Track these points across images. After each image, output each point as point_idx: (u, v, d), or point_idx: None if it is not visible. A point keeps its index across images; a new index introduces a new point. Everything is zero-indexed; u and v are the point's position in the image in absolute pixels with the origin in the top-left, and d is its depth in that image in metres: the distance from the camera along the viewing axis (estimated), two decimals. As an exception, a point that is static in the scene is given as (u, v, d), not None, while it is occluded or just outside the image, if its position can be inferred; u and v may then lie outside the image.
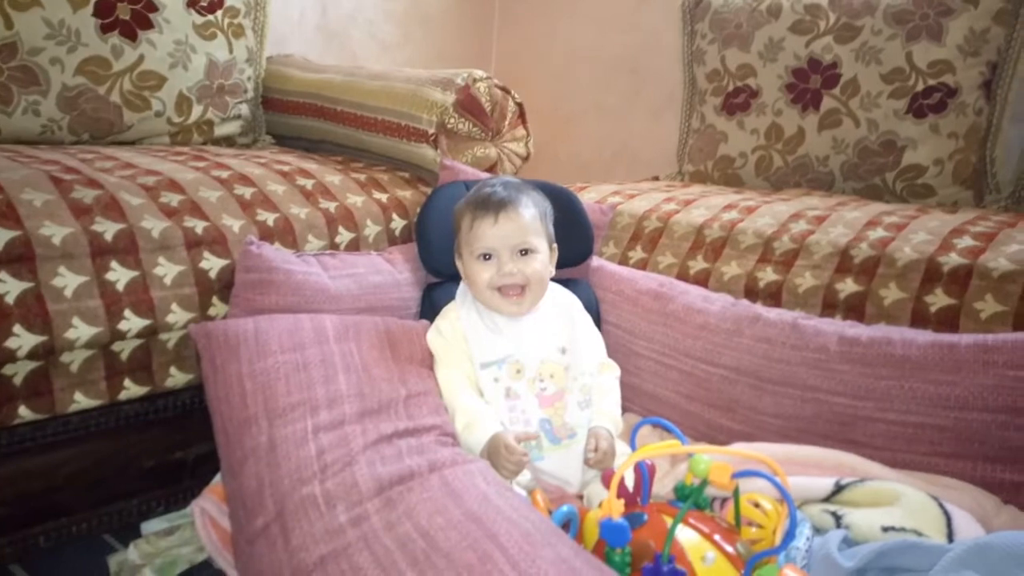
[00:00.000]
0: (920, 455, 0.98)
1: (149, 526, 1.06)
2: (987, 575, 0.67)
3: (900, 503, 0.86)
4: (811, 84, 1.78)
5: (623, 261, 1.44)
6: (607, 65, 2.50)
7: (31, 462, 0.92)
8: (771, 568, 0.75)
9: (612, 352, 1.22)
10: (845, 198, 1.59)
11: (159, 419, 1.02)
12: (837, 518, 0.88)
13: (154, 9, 1.48)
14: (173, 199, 1.09)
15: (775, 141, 1.83)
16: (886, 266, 1.17)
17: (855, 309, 1.17)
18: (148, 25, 1.47)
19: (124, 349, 0.98)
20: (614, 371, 1.16)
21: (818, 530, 0.90)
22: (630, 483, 0.92)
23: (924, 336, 1.01)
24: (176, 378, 1.04)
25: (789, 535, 0.75)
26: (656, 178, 2.11)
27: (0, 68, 1.31)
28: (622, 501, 0.88)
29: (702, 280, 1.34)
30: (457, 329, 1.09)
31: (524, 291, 1.07)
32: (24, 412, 0.90)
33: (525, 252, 1.06)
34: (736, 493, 0.89)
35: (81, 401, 0.94)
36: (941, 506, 0.84)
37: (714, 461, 0.83)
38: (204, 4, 1.56)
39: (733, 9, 1.95)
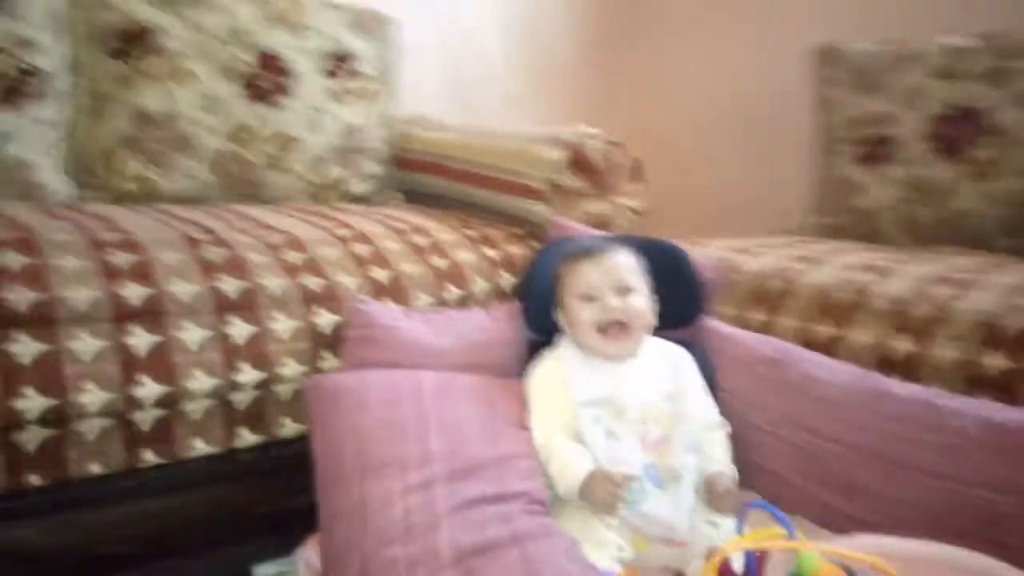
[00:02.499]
0: (1077, 565, 0.84)
1: (262, 570, 1.11)
2: None
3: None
4: (960, 131, 1.64)
5: (742, 324, 1.37)
6: (732, 114, 2.43)
7: (153, 504, 0.99)
8: None
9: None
10: (1002, 258, 1.43)
11: (272, 467, 1.07)
12: (968, 633, 0.77)
13: (292, 77, 1.60)
14: (295, 257, 1.16)
15: (919, 193, 1.69)
16: (1040, 340, 1.03)
17: (1006, 389, 1.04)
18: (285, 92, 1.59)
19: (241, 400, 1.04)
20: (725, 428, 1.12)
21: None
22: (738, 567, 0.86)
23: (1085, 425, 0.88)
24: (289, 428, 1.09)
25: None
26: (790, 232, 2.00)
27: (162, 136, 1.46)
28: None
29: (830, 348, 1.24)
30: (556, 371, 1.09)
31: (627, 330, 1.07)
32: (149, 456, 0.97)
33: (626, 290, 1.07)
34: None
35: (200, 447, 1.01)
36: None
37: (824, 563, 0.76)
38: (338, 71, 1.68)
39: (869, 53, 1.84)
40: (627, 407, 1.04)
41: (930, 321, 1.15)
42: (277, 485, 1.05)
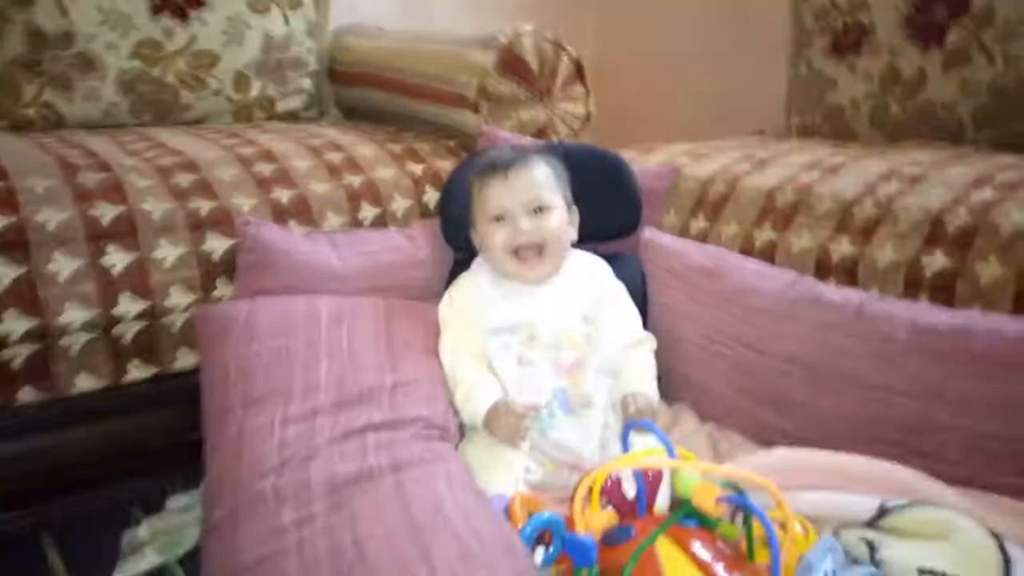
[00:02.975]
0: (1003, 474, 0.78)
1: (173, 502, 1.08)
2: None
3: (952, 538, 0.68)
4: (934, 15, 1.50)
5: (683, 232, 1.29)
6: (704, 9, 2.28)
7: (38, 442, 0.95)
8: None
9: (658, 336, 1.10)
10: (967, 151, 1.33)
11: (169, 400, 1.03)
12: (872, 549, 0.72)
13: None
14: (186, 179, 1.08)
15: (891, 85, 1.57)
16: (985, 236, 0.94)
17: (944, 289, 0.96)
18: (198, 4, 1.48)
19: (126, 332, 0.99)
20: (649, 343, 1.07)
21: (856, 561, 0.75)
22: (631, 491, 0.81)
23: (1017, 326, 0.80)
24: (185, 360, 1.04)
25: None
26: (761, 132, 1.89)
27: (59, 56, 1.37)
28: (609, 512, 0.77)
29: (768, 254, 1.16)
30: (468, 296, 1.04)
31: (542, 252, 1.00)
32: (27, 394, 0.93)
33: (540, 210, 0.99)
34: (748, 515, 0.75)
35: (84, 382, 0.96)
36: (1002, 548, 0.65)
37: (700, 481, 0.70)
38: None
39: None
40: (540, 332, 0.99)
41: (872, 221, 1.06)
42: (175, 418, 1.01)
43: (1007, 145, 1.37)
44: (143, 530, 1.00)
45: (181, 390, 1.01)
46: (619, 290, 1.08)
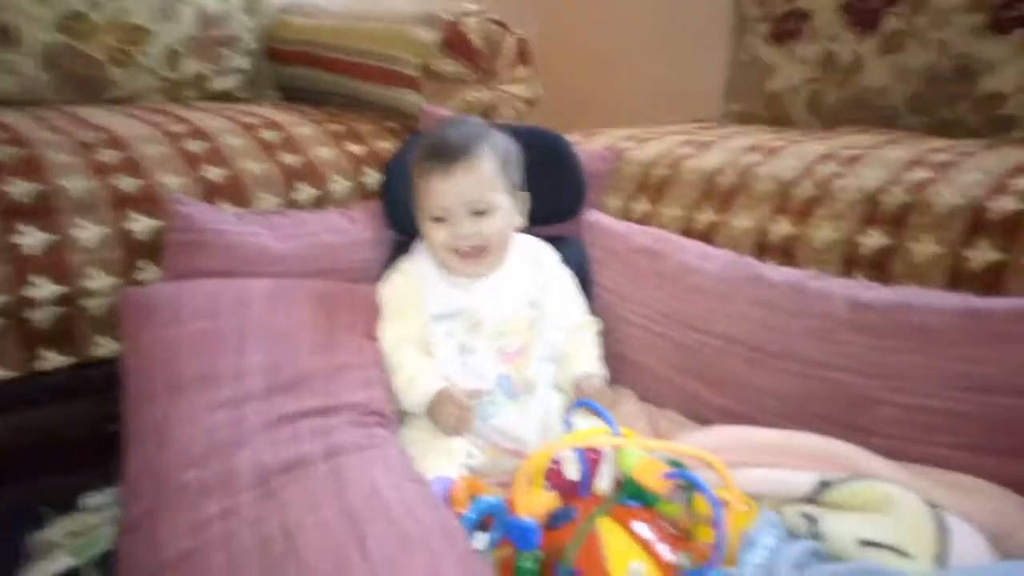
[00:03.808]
0: (938, 447, 0.79)
1: (89, 501, 1.02)
2: (959, 624, 0.50)
3: (890, 510, 0.69)
4: (871, 1, 1.52)
5: (626, 215, 1.28)
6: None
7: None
8: (698, 589, 0.61)
9: (601, 316, 1.09)
10: (901, 135, 1.35)
11: (87, 390, 0.97)
12: (813, 523, 0.72)
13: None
14: (110, 156, 1.02)
15: (829, 71, 1.59)
16: (920, 214, 0.96)
17: (880, 267, 0.97)
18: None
19: (41, 317, 0.93)
20: (595, 326, 1.06)
21: (796, 536, 0.75)
22: (573, 473, 0.80)
23: (952, 301, 0.82)
24: (105, 347, 0.98)
25: (715, 555, 0.60)
26: (700, 121, 1.90)
27: (-27, 27, 1.28)
28: (551, 495, 0.76)
29: (709, 235, 1.16)
30: (410, 280, 1.01)
31: (483, 252, 0.96)
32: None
33: (483, 212, 0.94)
34: (689, 493, 0.75)
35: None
36: (939, 517, 0.66)
37: (644, 457, 0.69)
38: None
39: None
40: (484, 321, 0.97)
41: (810, 201, 1.07)
42: (94, 409, 0.95)
43: (939, 131, 1.40)
44: (54, 531, 0.94)
45: (100, 379, 0.95)
46: (564, 276, 1.07)
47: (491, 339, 0.96)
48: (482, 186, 0.94)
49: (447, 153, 0.93)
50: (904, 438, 0.81)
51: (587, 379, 0.98)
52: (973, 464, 0.76)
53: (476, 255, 0.96)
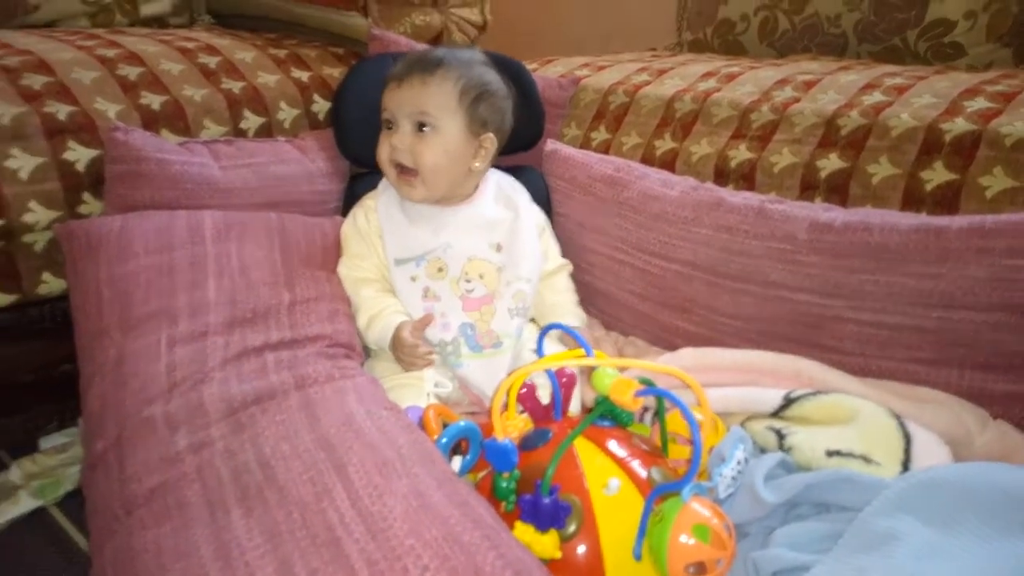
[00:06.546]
0: (897, 361, 0.82)
1: (47, 442, 0.99)
2: (929, 520, 0.52)
3: (855, 422, 0.72)
4: (822, -74, 1.51)
5: (585, 144, 1.27)
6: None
7: None
8: (675, 501, 0.62)
9: (563, 246, 1.08)
10: (852, 62, 1.36)
11: (34, 330, 0.92)
12: (780, 437, 0.74)
13: None
14: (37, 81, 0.95)
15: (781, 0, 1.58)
16: (877, 137, 0.97)
17: (838, 190, 0.99)
18: None
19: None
20: (566, 268, 1.05)
21: (765, 450, 0.77)
22: (546, 396, 0.80)
23: (909, 220, 0.83)
24: (51, 285, 0.93)
25: (692, 468, 0.62)
26: (653, 50, 1.88)
27: None
28: (524, 418, 0.76)
29: (669, 162, 1.16)
30: (372, 219, 0.97)
31: (414, 176, 0.93)
32: None
33: (425, 127, 0.91)
34: (661, 409, 0.76)
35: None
36: (902, 426, 0.69)
37: (618, 376, 0.70)
38: None
39: None
40: (448, 263, 0.94)
41: (768, 126, 1.08)
42: (41, 349, 0.90)
43: (888, 58, 1.42)
44: (13, 473, 0.91)
45: (49, 318, 0.91)
46: (536, 220, 1.03)
47: (454, 284, 0.93)
48: (433, 100, 0.91)
49: (413, 63, 0.93)
50: (865, 354, 0.84)
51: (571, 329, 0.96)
52: (931, 376, 0.79)
53: (411, 176, 0.93)
